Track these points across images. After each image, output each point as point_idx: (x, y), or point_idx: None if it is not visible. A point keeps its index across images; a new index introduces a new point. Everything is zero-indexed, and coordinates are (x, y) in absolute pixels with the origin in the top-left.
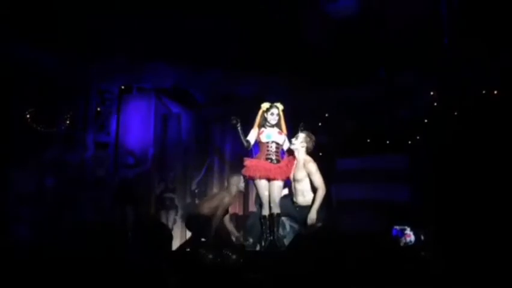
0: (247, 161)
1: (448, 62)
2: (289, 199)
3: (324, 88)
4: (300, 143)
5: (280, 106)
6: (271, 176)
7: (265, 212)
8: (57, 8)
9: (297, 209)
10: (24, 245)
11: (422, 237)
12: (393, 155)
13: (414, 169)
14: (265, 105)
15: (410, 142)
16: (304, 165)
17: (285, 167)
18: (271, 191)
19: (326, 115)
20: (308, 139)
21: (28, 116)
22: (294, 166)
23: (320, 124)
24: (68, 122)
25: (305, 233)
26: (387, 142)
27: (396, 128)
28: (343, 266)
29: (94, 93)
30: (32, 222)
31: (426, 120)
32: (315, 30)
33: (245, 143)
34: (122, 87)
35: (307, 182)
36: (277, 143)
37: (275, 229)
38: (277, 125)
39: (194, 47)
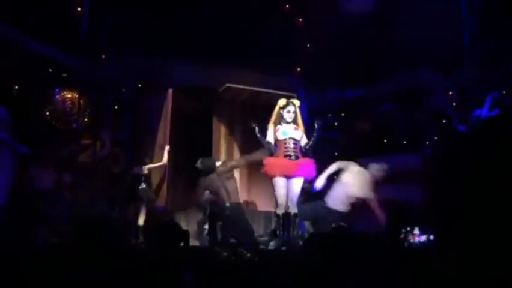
0: (266, 160)
1: (466, 62)
2: (321, 204)
3: (341, 88)
4: None
5: (297, 102)
6: (291, 173)
7: (280, 210)
8: (76, 6)
9: (325, 210)
10: (40, 239)
11: (432, 238)
12: (409, 155)
13: (429, 169)
14: (281, 102)
15: (427, 143)
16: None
17: (305, 165)
18: (289, 189)
19: (342, 115)
20: None
21: (47, 113)
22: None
23: (336, 124)
24: (86, 119)
25: (319, 233)
26: (404, 142)
27: (413, 129)
28: (355, 266)
29: (111, 90)
30: (49, 218)
31: (444, 121)
32: (332, 29)
33: (266, 145)
34: (139, 85)
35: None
36: (294, 139)
37: (291, 228)
38: (294, 121)
39: (210, 45)
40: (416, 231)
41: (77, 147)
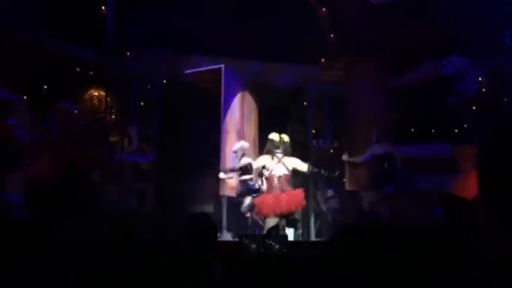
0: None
1: (497, 46)
2: None
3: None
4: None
5: (286, 138)
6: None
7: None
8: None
9: None
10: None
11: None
12: (437, 144)
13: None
14: (273, 136)
15: (456, 130)
16: None
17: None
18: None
19: None
20: None
21: (76, 111)
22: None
23: None
24: (113, 116)
25: (350, 224)
26: (432, 131)
27: (441, 116)
28: (387, 259)
29: (137, 87)
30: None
31: (474, 107)
32: (358, 15)
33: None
34: (164, 81)
35: None
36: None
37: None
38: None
39: (234, 39)
40: None
41: (105, 143)
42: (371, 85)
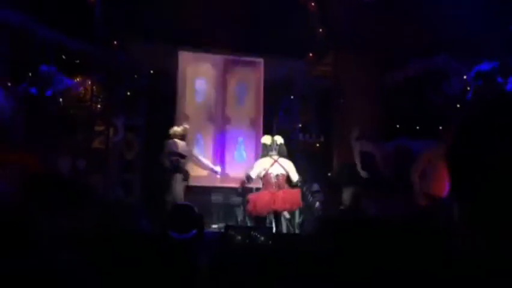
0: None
1: (482, 45)
2: None
3: None
4: None
5: (280, 139)
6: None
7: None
8: None
9: None
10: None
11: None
12: (423, 141)
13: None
14: (265, 140)
15: (440, 128)
16: None
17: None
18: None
19: None
20: None
21: (61, 99)
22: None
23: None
24: (99, 105)
25: (331, 217)
26: (417, 128)
27: (426, 113)
28: (366, 251)
29: (123, 76)
30: (64, 205)
31: (458, 105)
32: (346, 12)
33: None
34: (152, 71)
35: None
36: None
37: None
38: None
39: (222, 32)
40: None
41: (90, 133)
42: (358, 81)
